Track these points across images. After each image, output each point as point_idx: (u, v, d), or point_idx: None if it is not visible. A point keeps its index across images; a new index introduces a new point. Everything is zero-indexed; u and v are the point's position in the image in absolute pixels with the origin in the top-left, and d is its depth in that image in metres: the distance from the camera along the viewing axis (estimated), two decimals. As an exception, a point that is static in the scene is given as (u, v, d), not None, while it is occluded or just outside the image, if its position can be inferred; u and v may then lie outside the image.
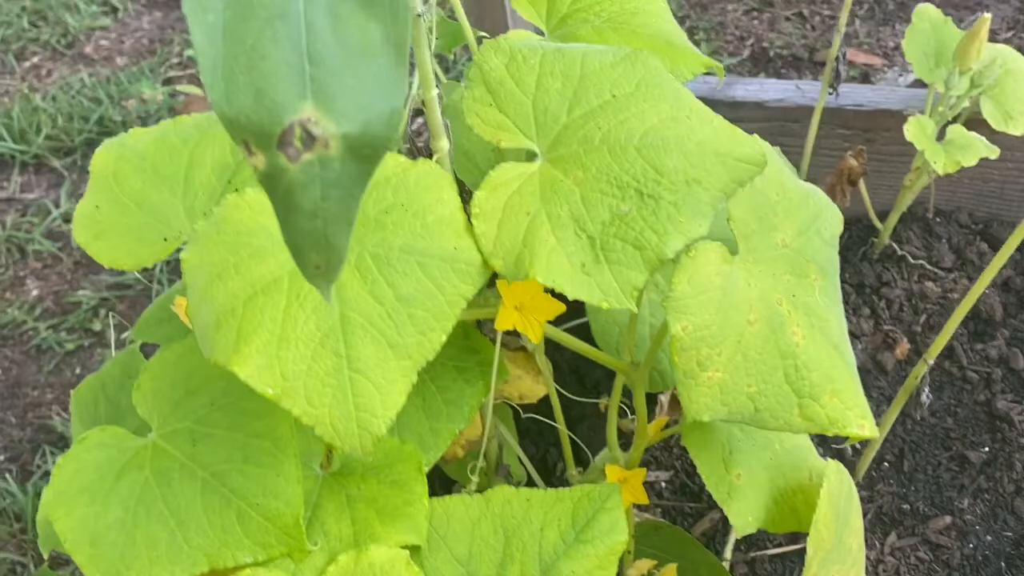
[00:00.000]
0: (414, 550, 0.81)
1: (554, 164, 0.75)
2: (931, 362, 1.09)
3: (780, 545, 1.37)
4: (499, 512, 0.85)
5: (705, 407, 0.77)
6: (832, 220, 0.88)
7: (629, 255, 0.71)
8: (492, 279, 0.94)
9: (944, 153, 1.31)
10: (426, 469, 0.87)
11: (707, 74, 0.98)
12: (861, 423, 0.82)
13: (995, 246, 1.64)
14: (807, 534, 1.36)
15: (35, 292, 2.09)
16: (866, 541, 1.34)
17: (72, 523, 0.75)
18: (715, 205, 0.74)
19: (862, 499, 1.39)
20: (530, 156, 0.76)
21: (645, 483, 1.42)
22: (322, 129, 0.42)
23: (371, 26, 0.42)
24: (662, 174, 0.73)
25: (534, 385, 1.27)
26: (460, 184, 0.80)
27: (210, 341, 0.68)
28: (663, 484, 1.46)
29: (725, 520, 1.41)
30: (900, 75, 2.23)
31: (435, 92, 0.75)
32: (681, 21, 2.48)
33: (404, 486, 0.83)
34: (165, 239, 0.82)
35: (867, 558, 1.32)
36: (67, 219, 2.15)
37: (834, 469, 0.93)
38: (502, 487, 0.86)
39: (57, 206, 2.16)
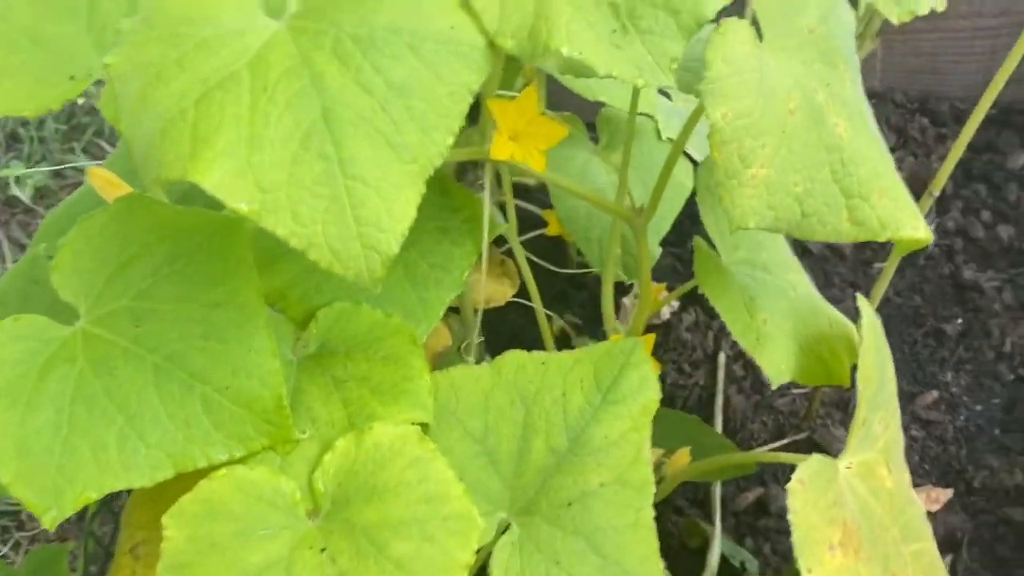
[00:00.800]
0: (423, 429, 0.67)
1: (556, -73, 0.62)
2: (936, 193, 1.01)
3: (765, 443, 1.28)
4: (513, 380, 0.71)
5: (752, 210, 0.65)
6: (848, 10, 0.79)
7: (662, 21, 0.59)
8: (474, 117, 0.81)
9: (895, 3, 1.23)
10: (420, 343, 0.73)
11: None
12: (915, 223, 0.73)
13: (935, 121, 1.59)
14: (804, 411, 1.28)
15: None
16: (856, 426, 1.26)
17: (-10, 432, 0.58)
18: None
19: (843, 388, 1.31)
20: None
21: (670, 412, 1.31)
22: None
23: None
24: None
25: (498, 288, 1.14)
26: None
27: (157, 155, 0.53)
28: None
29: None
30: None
31: None
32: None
33: (399, 361, 0.69)
34: (72, 77, 0.65)
35: (861, 443, 1.24)
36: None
37: (865, 303, 0.84)
38: (513, 352, 0.73)
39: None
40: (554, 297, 1.43)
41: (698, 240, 0.84)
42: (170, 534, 0.59)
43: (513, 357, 0.72)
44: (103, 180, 0.68)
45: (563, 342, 1.41)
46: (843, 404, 1.29)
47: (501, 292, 1.11)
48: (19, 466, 0.58)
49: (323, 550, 0.59)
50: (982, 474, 1.21)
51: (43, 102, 0.64)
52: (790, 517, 0.68)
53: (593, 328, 1.43)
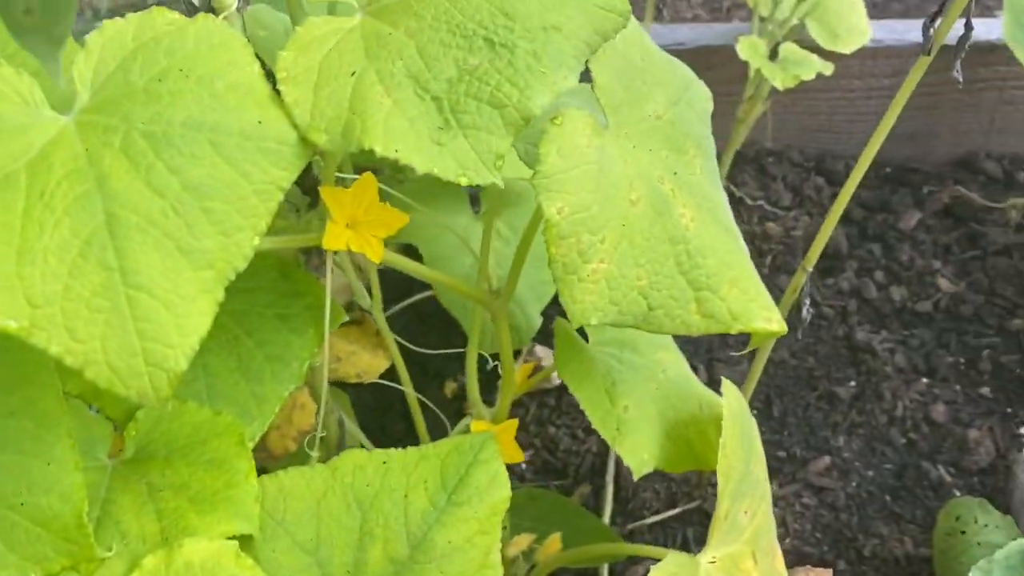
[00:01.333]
0: (245, 542, 0.62)
1: (379, 15, 0.59)
2: (810, 269, 0.99)
3: (657, 512, 1.25)
4: (350, 482, 0.67)
5: (593, 306, 0.62)
6: (702, 94, 0.77)
7: (486, 116, 0.56)
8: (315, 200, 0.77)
9: (780, 69, 1.23)
10: (251, 444, 0.69)
11: None
12: (768, 316, 0.70)
13: (831, 180, 1.60)
14: (696, 479, 1.26)
15: None
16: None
17: None
18: (579, 58, 0.61)
19: (737, 451, 1.29)
20: (348, 9, 0.60)
21: (545, 494, 1.27)
22: None
23: None
24: (513, 19, 0.58)
25: (373, 360, 1.10)
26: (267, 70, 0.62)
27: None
28: (523, 466, 1.31)
29: (596, 492, 1.28)
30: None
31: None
32: None
33: (223, 465, 0.64)
34: None
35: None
36: None
37: (730, 387, 0.81)
38: (351, 451, 0.68)
39: None
40: (449, 357, 1.40)
41: (559, 322, 0.81)
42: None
43: (350, 457, 0.68)
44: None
45: (459, 402, 1.38)
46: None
47: (375, 365, 1.07)
48: None
49: None
50: (872, 543, 1.19)
51: None
52: None
53: (490, 389, 1.40)
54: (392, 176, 1.06)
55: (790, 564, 1.18)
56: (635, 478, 0.78)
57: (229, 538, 0.61)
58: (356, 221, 0.67)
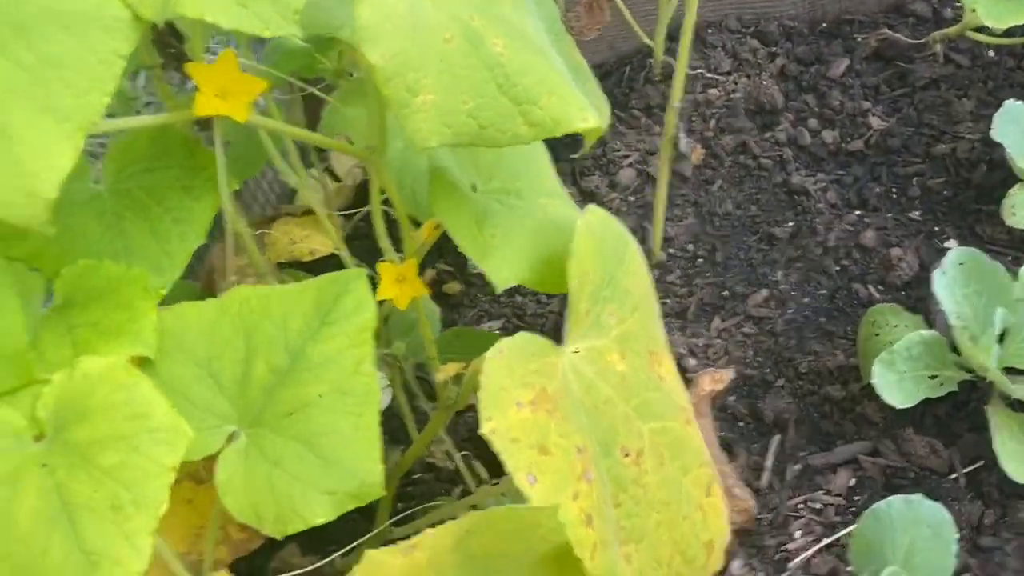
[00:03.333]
0: (148, 364, 0.77)
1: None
2: (677, 105, 1.10)
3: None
4: (237, 311, 0.81)
5: (430, 132, 0.75)
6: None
7: (285, -22, 0.69)
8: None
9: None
10: (164, 292, 0.83)
11: None
12: (584, 116, 0.81)
13: (767, 42, 1.67)
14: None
15: None
16: (692, 331, 1.36)
17: None
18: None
19: (681, 296, 1.40)
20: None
21: (470, 330, 1.41)
22: None
23: None
24: None
25: (324, 240, 1.25)
26: None
27: None
28: (497, 331, 1.45)
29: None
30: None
31: None
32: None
33: (129, 306, 0.79)
34: None
35: (695, 345, 1.34)
36: None
37: (593, 208, 0.92)
38: (238, 287, 0.83)
39: None
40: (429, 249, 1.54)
41: (435, 170, 0.94)
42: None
43: (237, 292, 0.82)
44: None
45: (438, 286, 1.52)
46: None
47: (325, 245, 1.22)
48: None
49: (44, 465, 0.69)
50: (808, 360, 1.30)
51: None
52: (481, 379, 0.75)
53: (462, 272, 1.53)
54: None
55: (733, 387, 1.31)
56: (497, 291, 0.90)
57: (133, 360, 0.75)
58: (225, 91, 0.81)
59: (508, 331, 1.45)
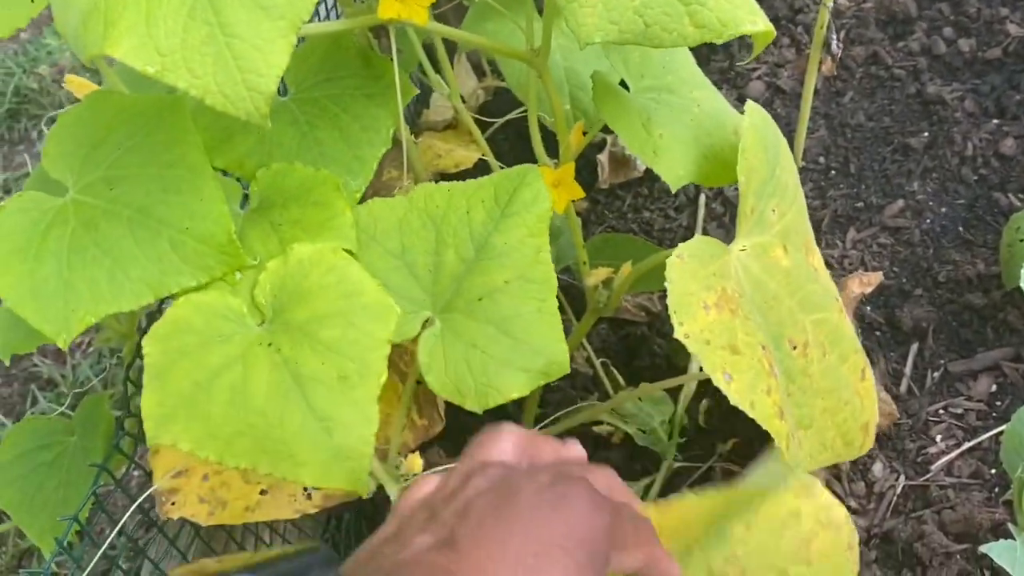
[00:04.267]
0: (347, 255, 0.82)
1: None
2: (830, 5, 1.10)
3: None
4: (423, 206, 0.86)
5: (595, 27, 0.77)
6: None
7: None
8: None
9: None
10: (357, 195, 0.88)
11: None
12: (753, 19, 0.82)
13: (896, -49, 1.64)
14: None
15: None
16: (827, 242, 1.37)
17: (10, 280, 0.75)
18: None
19: (814, 208, 1.41)
20: None
21: (618, 236, 1.44)
22: None
23: None
24: None
25: (466, 153, 1.28)
26: None
27: (82, 41, 0.68)
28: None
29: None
30: None
31: None
32: None
33: (325, 205, 0.84)
34: (32, 1, 0.81)
35: (831, 256, 1.35)
36: (7, 190, 2.14)
37: (753, 106, 0.94)
38: (423, 184, 0.87)
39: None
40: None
41: (597, 74, 0.96)
42: (148, 351, 0.75)
43: (422, 188, 0.86)
44: (77, 84, 0.84)
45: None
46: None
47: (469, 157, 1.25)
48: (35, 305, 0.76)
49: (269, 344, 0.75)
50: (946, 269, 1.30)
51: (14, 23, 0.81)
52: (667, 285, 0.78)
53: (587, 189, 1.56)
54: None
55: (870, 297, 1.31)
56: (673, 190, 0.93)
57: (333, 251, 0.80)
58: (404, -4, 0.84)
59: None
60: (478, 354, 0.80)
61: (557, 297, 1.29)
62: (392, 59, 0.91)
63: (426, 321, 0.83)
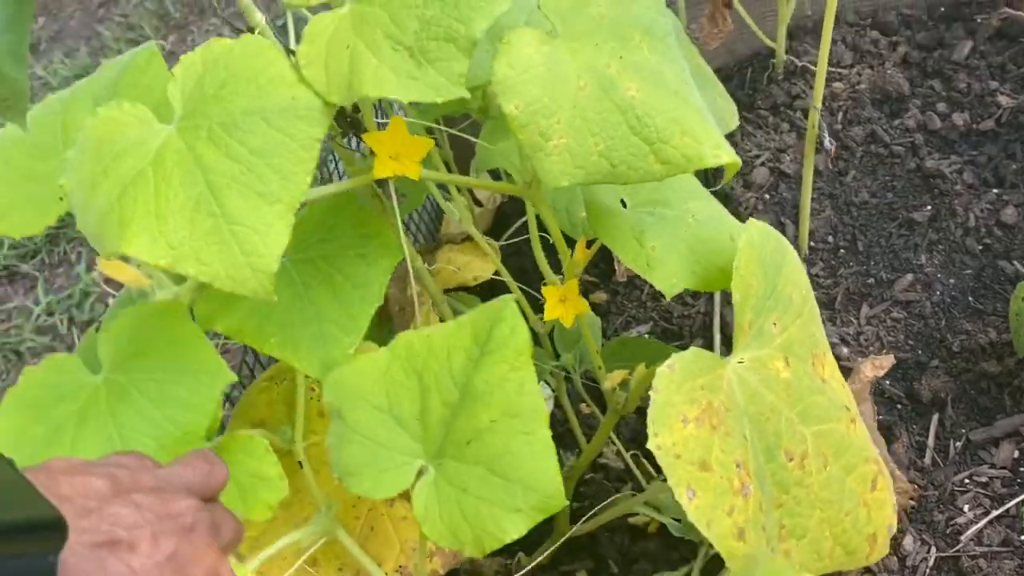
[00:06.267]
0: (336, 414, 0.88)
1: (359, 1, 0.82)
2: (819, 107, 1.15)
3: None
4: (404, 355, 0.89)
5: (561, 173, 0.81)
6: (649, -15, 0.94)
7: (445, 50, 0.78)
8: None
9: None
10: (351, 351, 0.93)
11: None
12: (716, 153, 0.84)
13: (886, 32, 1.70)
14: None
15: (39, 385, 2.16)
16: (842, 320, 1.40)
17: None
18: (508, -12, 0.80)
19: (827, 287, 1.44)
20: (337, 4, 0.83)
21: (634, 339, 1.48)
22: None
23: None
24: (453, -27, 0.79)
25: (484, 265, 1.34)
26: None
27: (100, 240, 0.76)
28: (646, 336, 1.52)
29: (708, 345, 1.46)
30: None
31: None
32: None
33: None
34: (60, 199, 0.90)
35: (847, 334, 1.38)
36: (50, 312, 2.24)
37: (754, 222, 0.95)
38: (403, 333, 0.90)
39: (37, 303, 2.26)
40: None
41: (589, 194, 1.01)
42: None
43: (402, 337, 0.90)
44: (111, 268, 0.92)
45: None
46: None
47: (486, 269, 1.31)
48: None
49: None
50: (960, 339, 1.33)
51: (45, 221, 0.89)
52: (651, 394, 0.80)
53: (606, 281, 1.61)
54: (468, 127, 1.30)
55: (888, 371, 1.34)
56: (667, 298, 0.97)
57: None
58: (398, 153, 0.91)
59: (657, 334, 1.52)
60: (471, 499, 0.82)
61: (581, 399, 1.35)
62: (393, 207, 0.98)
63: (420, 470, 0.85)
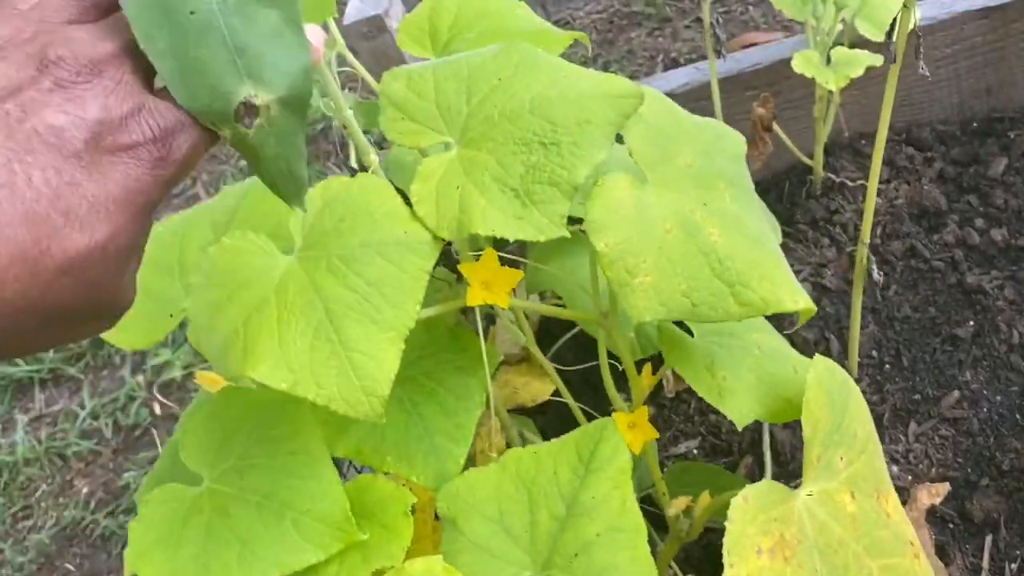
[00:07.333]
0: (452, 526, 0.91)
1: (467, 145, 0.87)
2: (867, 242, 1.19)
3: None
4: (515, 471, 0.93)
5: (645, 308, 0.86)
6: (734, 142, 1.00)
7: (549, 193, 0.83)
8: (460, 276, 1.05)
9: (832, 73, 1.44)
10: (462, 460, 0.98)
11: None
12: (794, 298, 0.89)
13: (921, 147, 1.76)
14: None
15: (85, 489, 2.20)
16: (891, 437, 1.43)
17: (152, 570, 0.85)
18: (608, 136, 0.86)
19: (874, 403, 1.47)
20: (448, 147, 0.89)
21: (680, 454, 1.51)
22: (260, 99, 0.58)
23: (272, 13, 0.58)
24: (556, 124, 0.85)
25: (542, 386, 1.37)
26: (404, 195, 0.92)
27: (223, 361, 0.80)
28: (695, 451, 1.54)
29: (758, 462, 1.49)
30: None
31: (353, 118, 0.88)
32: (593, 60, 2.65)
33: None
34: (171, 315, 0.94)
35: (896, 451, 1.40)
36: (95, 416, 2.27)
37: (820, 358, 0.98)
38: (512, 450, 0.95)
39: (83, 407, 2.29)
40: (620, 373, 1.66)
41: (662, 324, 1.06)
42: None
43: (512, 453, 0.95)
44: (207, 379, 0.96)
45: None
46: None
47: (544, 389, 1.35)
48: (176, 590, 0.85)
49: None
50: (1009, 457, 1.35)
51: (154, 337, 0.93)
52: (726, 524, 0.83)
53: (655, 396, 1.64)
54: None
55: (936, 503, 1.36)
56: (739, 428, 1.01)
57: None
58: (488, 282, 0.95)
59: (705, 449, 1.54)
60: (578, 610, 0.86)
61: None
62: (479, 331, 1.02)
63: (529, 582, 0.90)
